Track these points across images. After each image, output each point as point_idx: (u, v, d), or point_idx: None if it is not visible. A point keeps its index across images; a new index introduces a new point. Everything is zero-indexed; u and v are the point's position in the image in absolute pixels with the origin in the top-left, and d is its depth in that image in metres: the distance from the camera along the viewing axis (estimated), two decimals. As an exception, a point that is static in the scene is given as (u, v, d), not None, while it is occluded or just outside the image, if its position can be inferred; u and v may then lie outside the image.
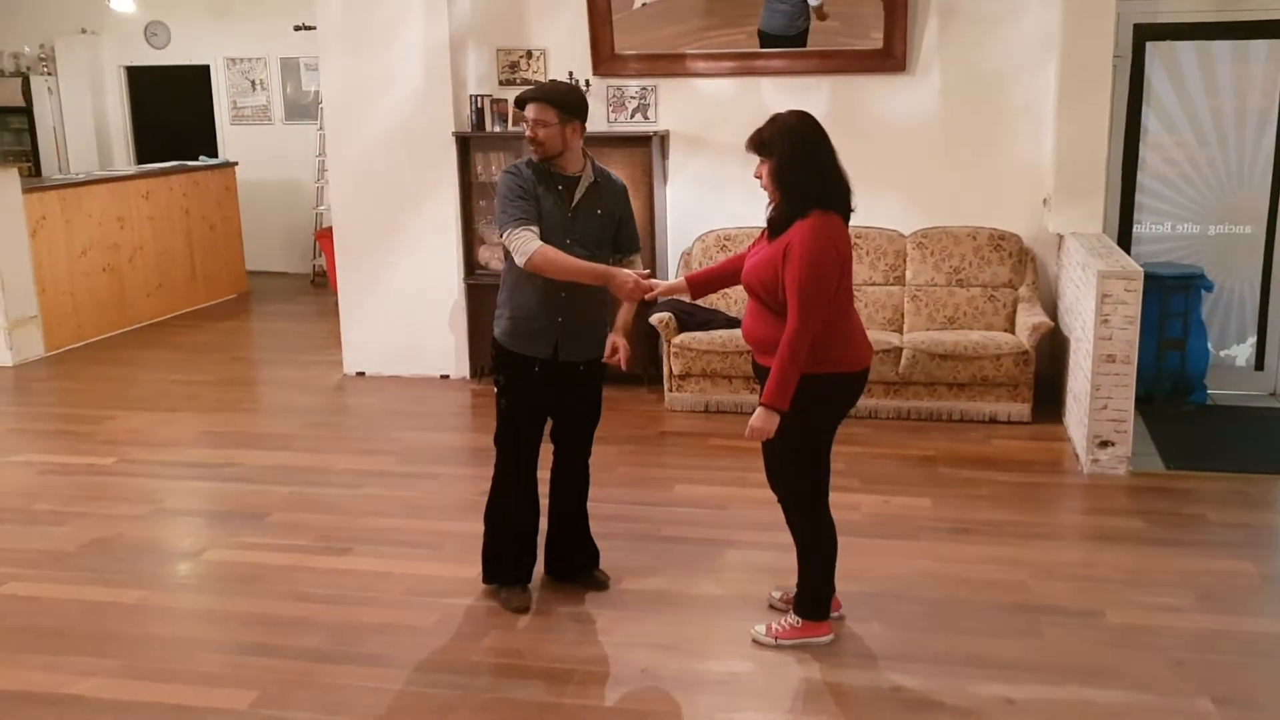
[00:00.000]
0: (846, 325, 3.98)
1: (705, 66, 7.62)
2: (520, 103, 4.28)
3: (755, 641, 4.18)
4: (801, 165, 3.84)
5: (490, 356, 4.53)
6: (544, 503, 4.65)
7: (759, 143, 3.91)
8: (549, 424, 4.55)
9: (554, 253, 4.15)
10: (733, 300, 7.46)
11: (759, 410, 3.84)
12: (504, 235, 4.20)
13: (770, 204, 3.98)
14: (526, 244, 4.13)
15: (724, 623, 4.39)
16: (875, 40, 7.30)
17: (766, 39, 7.49)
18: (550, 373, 4.37)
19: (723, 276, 4.37)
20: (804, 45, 7.45)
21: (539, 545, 4.72)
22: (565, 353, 4.37)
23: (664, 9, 7.60)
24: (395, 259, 7.96)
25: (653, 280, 4.33)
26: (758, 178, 3.96)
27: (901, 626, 4.31)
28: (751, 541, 5.10)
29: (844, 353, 3.95)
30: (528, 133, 4.25)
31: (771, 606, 4.42)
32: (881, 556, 4.94)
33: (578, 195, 4.31)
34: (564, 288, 4.27)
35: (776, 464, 4.14)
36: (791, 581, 4.29)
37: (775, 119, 3.92)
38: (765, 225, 4.01)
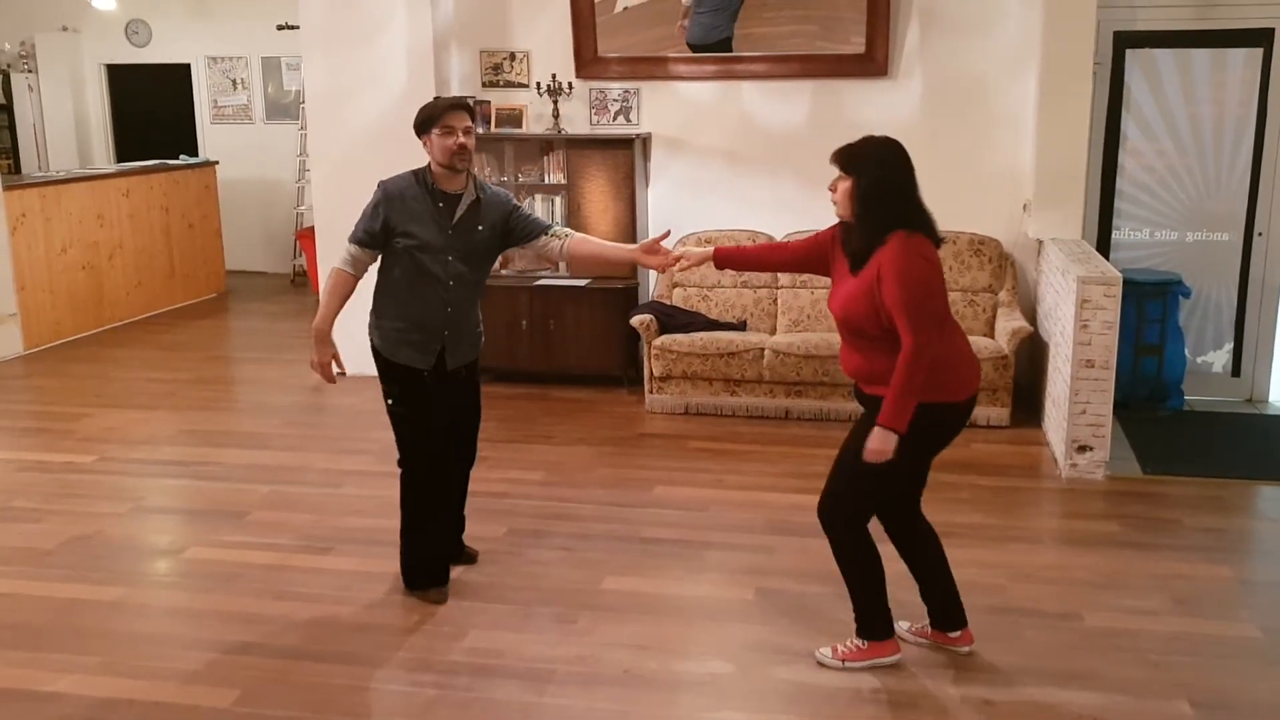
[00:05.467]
0: (955, 351, 3.82)
1: (687, 70, 7.64)
2: (453, 109, 4.37)
3: (820, 664, 4.05)
4: (887, 189, 3.74)
5: (378, 366, 4.52)
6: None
7: (847, 158, 3.78)
8: None
9: (338, 283, 4.40)
10: (713, 303, 7.48)
11: (876, 431, 3.66)
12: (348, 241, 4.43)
13: (838, 222, 3.89)
14: (340, 262, 4.41)
15: (704, 624, 4.40)
16: (857, 45, 7.33)
17: (694, 49, 7.55)
18: (438, 380, 4.46)
19: (756, 261, 4.40)
20: (729, 52, 7.51)
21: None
22: (452, 361, 4.48)
23: (646, 12, 7.62)
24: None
25: (681, 249, 4.40)
26: (831, 190, 3.83)
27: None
28: (731, 543, 5.12)
29: (944, 379, 3.75)
30: (463, 142, 4.34)
31: (899, 637, 4.20)
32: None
33: (459, 213, 4.39)
34: (450, 303, 4.39)
35: (841, 480, 3.93)
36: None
37: (869, 139, 3.81)
38: (844, 250, 3.87)
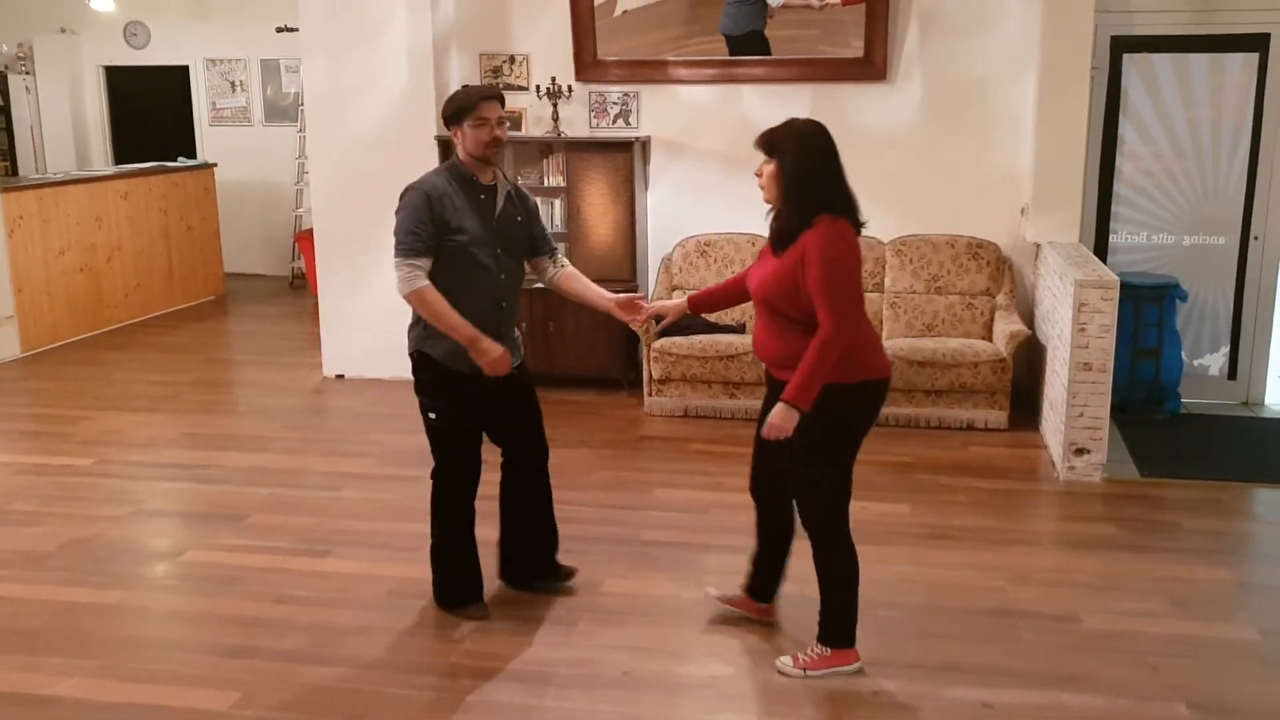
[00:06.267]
0: (866, 333, 3.87)
1: (686, 73, 7.65)
2: (486, 99, 4.20)
3: (781, 673, 4.04)
4: (814, 171, 3.74)
5: (422, 380, 4.32)
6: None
7: (770, 142, 3.80)
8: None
9: (435, 296, 4.11)
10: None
11: (779, 407, 3.71)
12: (395, 259, 4.13)
13: (770, 211, 3.90)
14: (414, 278, 4.10)
15: (704, 626, 4.41)
16: (856, 49, 7.34)
17: (727, 40, 7.56)
18: (493, 384, 4.28)
19: (726, 296, 4.27)
20: (760, 48, 7.49)
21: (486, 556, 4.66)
22: (513, 358, 4.36)
23: (646, 16, 7.63)
24: (376, 261, 7.91)
25: (657, 304, 4.34)
26: (758, 175, 3.86)
27: (880, 631, 4.33)
28: (731, 545, 5.11)
29: (867, 359, 3.83)
30: (498, 134, 4.19)
31: (708, 595, 4.48)
32: (860, 562, 4.95)
33: (500, 204, 4.29)
34: (504, 299, 4.29)
35: (799, 483, 3.99)
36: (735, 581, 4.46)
37: (791, 123, 3.82)
38: (768, 236, 3.91)
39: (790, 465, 3.97)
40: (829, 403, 3.73)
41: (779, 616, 4.40)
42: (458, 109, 4.18)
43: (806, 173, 3.74)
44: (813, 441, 3.79)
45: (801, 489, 3.99)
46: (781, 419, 3.72)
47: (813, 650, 4.05)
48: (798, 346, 3.76)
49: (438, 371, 4.25)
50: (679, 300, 4.34)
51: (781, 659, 4.08)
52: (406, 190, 4.18)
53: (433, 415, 4.32)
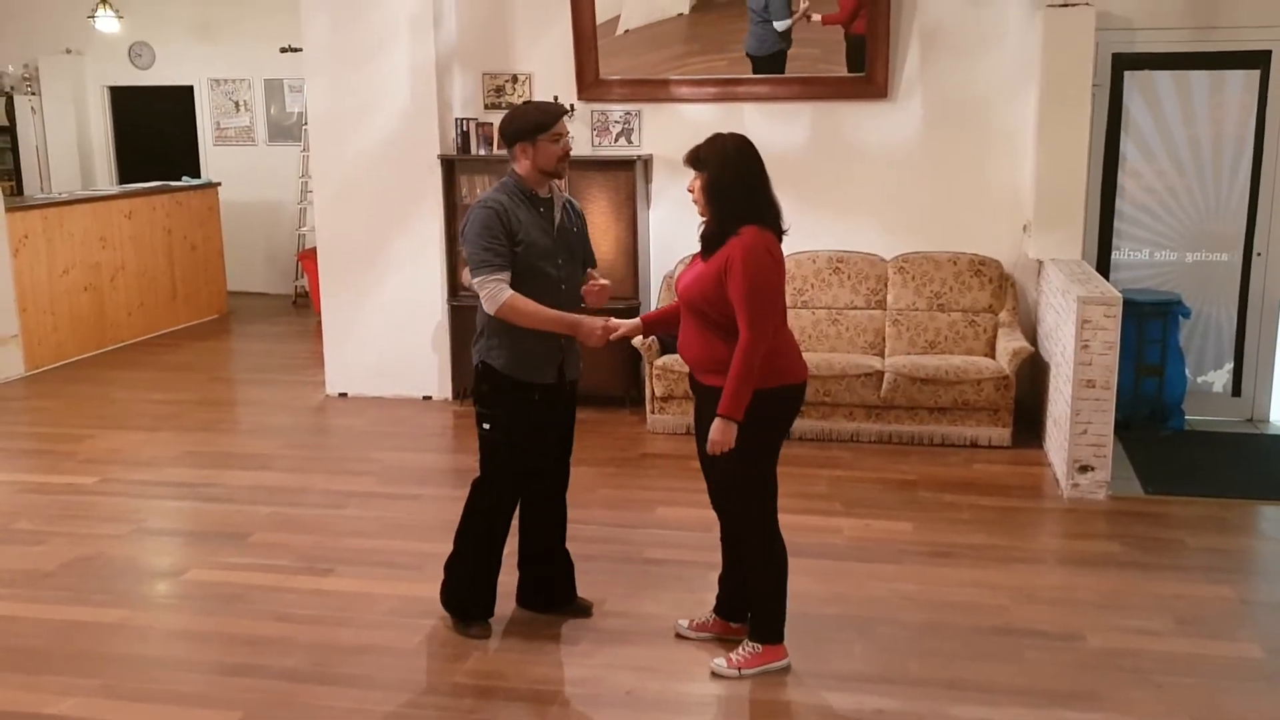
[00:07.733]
0: (785, 340, 4.03)
1: (688, 92, 7.68)
2: (562, 115, 4.28)
3: (715, 674, 4.12)
4: (735, 181, 3.91)
5: (481, 390, 4.34)
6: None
7: (696, 158, 3.98)
8: None
9: (523, 302, 4.13)
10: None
11: (717, 422, 3.86)
12: (475, 279, 4.16)
13: (702, 222, 4.04)
14: (498, 292, 4.12)
15: (706, 645, 4.38)
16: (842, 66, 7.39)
17: (752, 61, 7.57)
18: (549, 397, 4.35)
19: (676, 316, 4.33)
20: (779, 67, 7.51)
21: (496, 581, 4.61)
22: (569, 372, 4.41)
23: (648, 35, 7.65)
24: (379, 280, 7.96)
25: (614, 321, 4.35)
26: (690, 191, 4.02)
27: (883, 649, 4.33)
28: (734, 564, 5.11)
29: (786, 365, 4.00)
30: (569, 147, 4.28)
31: (679, 636, 4.42)
32: (863, 580, 4.96)
33: (558, 217, 4.34)
34: (567, 307, 4.30)
35: (728, 485, 4.12)
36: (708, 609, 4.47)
37: (715, 137, 4.00)
38: (699, 243, 4.06)
39: (717, 471, 4.12)
40: (749, 407, 3.87)
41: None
42: (535, 125, 4.18)
43: (730, 183, 3.92)
44: (736, 446, 3.90)
45: (729, 493, 4.14)
46: (720, 433, 3.87)
47: (747, 649, 4.15)
48: (721, 351, 3.93)
49: (498, 381, 4.28)
50: (634, 321, 4.42)
51: (715, 660, 4.17)
52: (473, 209, 4.21)
53: (487, 426, 4.34)
